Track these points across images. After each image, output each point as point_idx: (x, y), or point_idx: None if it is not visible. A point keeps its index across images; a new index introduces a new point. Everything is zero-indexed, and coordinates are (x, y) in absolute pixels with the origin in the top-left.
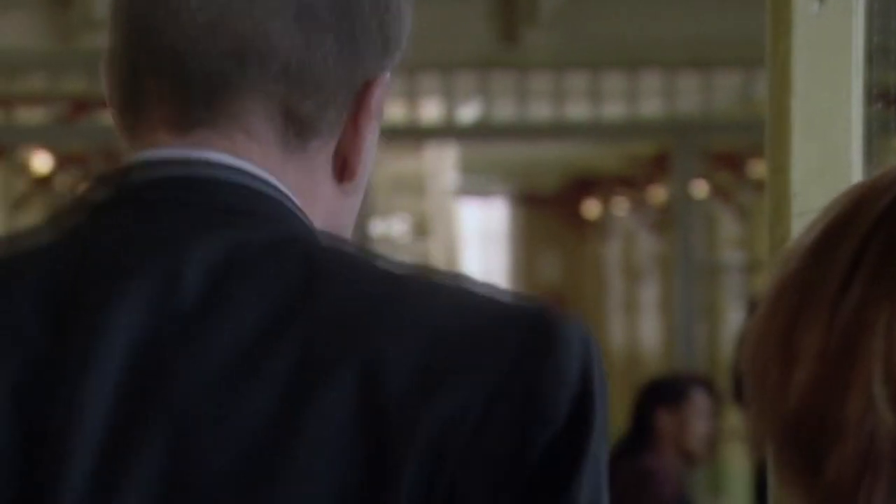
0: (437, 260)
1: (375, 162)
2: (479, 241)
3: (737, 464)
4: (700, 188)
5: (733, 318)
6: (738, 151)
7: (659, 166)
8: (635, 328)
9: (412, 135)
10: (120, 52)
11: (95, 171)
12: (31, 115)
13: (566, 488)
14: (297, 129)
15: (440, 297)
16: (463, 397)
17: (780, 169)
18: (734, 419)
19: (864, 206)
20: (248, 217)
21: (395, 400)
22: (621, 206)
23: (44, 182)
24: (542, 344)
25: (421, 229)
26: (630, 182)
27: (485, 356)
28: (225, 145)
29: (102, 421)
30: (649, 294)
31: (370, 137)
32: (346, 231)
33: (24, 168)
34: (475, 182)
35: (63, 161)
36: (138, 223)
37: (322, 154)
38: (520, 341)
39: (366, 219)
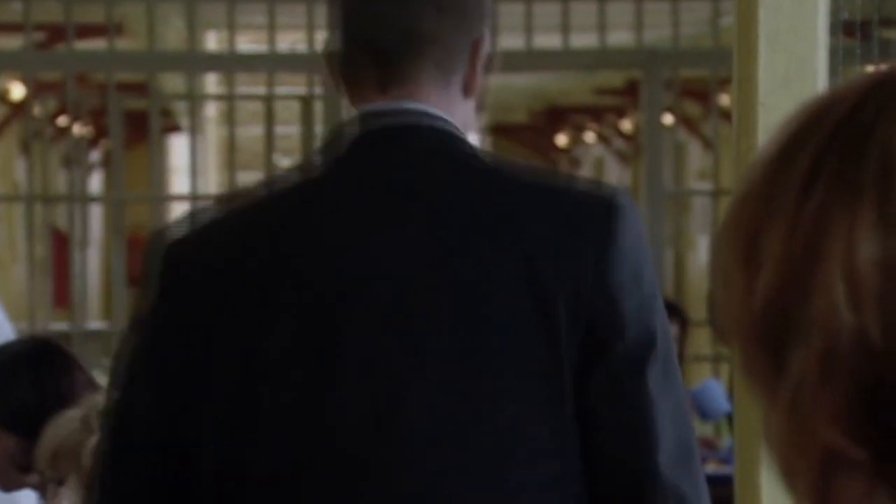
0: None
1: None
2: None
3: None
4: (668, 118)
5: (701, 247)
6: (706, 82)
7: (628, 97)
8: None
9: None
10: (341, 44)
11: (71, 97)
12: (6, 43)
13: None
14: (443, 75)
15: (559, 187)
16: (585, 255)
17: (747, 79)
18: (706, 344)
19: (823, 115)
20: (444, 151)
21: (547, 264)
22: (591, 136)
23: (19, 109)
24: (619, 219)
25: None
26: (599, 113)
27: (593, 227)
28: (409, 95)
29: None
30: None
31: (479, 70)
32: (472, 127)
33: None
34: None
35: (39, 88)
36: (380, 164)
37: (455, 85)
38: (608, 216)
39: None
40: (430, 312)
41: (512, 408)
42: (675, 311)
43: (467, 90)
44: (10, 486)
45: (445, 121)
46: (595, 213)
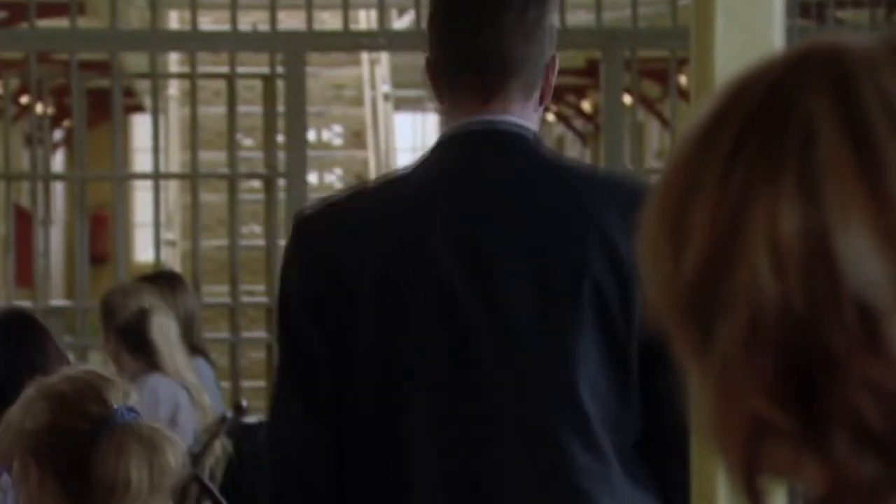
0: (371, 170)
1: (313, 73)
2: (413, 154)
3: None
4: (627, 98)
5: None
6: (665, 62)
7: (587, 77)
8: None
9: (347, 41)
10: (441, 63)
11: (33, 76)
12: None
13: None
14: (528, 90)
15: (615, 179)
16: (623, 232)
17: (704, 53)
18: None
19: (746, 90)
20: (534, 151)
21: (621, 246)
22: (551, 116)
23: None
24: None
25: (356, 139)
26: (559, 93)
27: (628, 207)
28: (503, 110)
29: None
30: None
31: (551, 84)
32: (537, 129)
33: None
34: (408, 96)
35: (1, 67)
36: (487, 158)
37: (534, 98)
38: (638, 197)
39: (301, 128)
40: (538, 276)
41: (591, 357)
42: None
43: (542, 101)
44: None
45: (528, 128)
46: (632, 190)
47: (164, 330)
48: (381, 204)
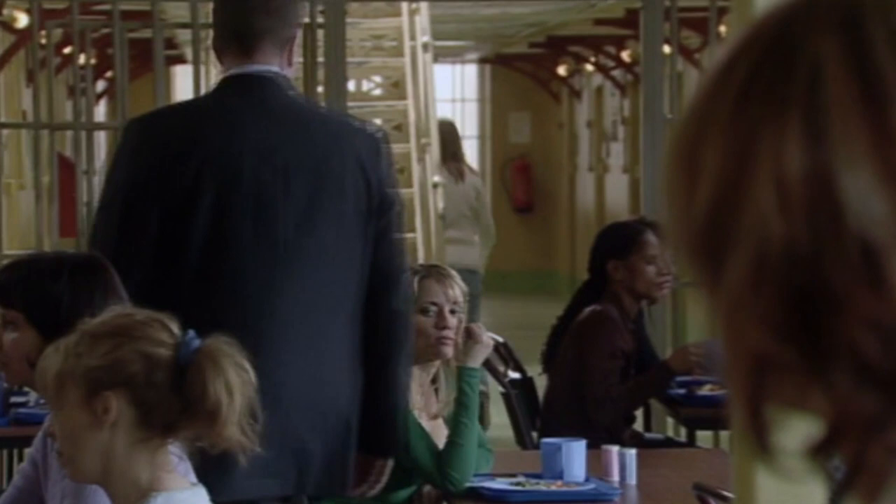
0: (411, 120)
1: (353, 23)
2: (452, 105)
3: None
4: (667, 48)
5: None
6: (705, 11)
7: (627, 27)
8: (603, 187)
9: None
10: (217, 33)
11: (76, 26)
12: None
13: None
14: (280, 50)
15: (352, 119)
16: (379, 160)
17: (744, 3)
18: None
19: (758, 32)
20: (277, 88)
21: (365, 160)
22: (590, 66)
23: (25, 37)
24: (386, 142)
25: (396, 89)
26: (599, 43)
27: (381, 145)
28: (257, 61)
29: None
30: (617, 153)
31: (294, 52)
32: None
33: (6, 23)
34: (447, 47)
35: (44, 17)
36: (253, 91)
37: (285, 57)
38: (384, 139)
39: (341, 79)
40: (304, 174)
41: (344, 227)
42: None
43: (289, 63)
44: (15, 379)
45: (279, 74)
46: (378, 137)
47: None
48: (196, 117)
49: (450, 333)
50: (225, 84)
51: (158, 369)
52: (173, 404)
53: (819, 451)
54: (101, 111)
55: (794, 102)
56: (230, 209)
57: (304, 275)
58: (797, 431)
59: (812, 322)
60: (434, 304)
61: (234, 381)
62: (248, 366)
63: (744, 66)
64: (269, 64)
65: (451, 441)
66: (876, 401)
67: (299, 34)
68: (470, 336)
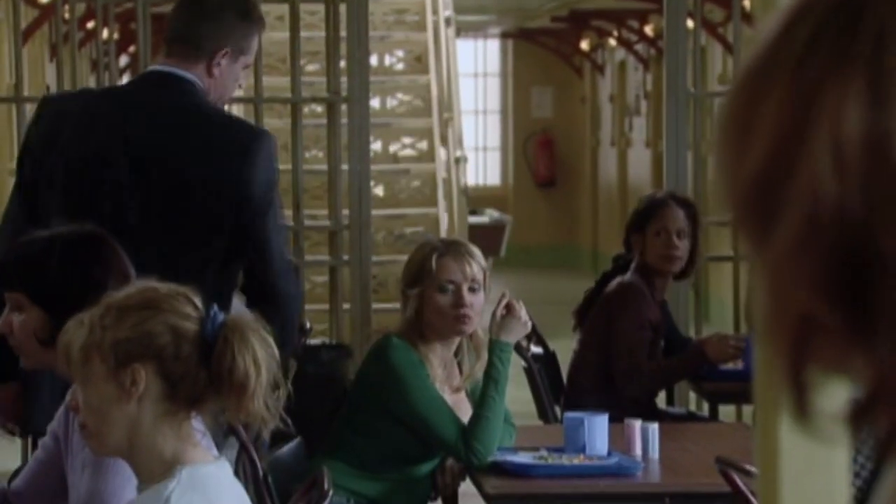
0: (433, 94)
1: None
2: (475, 80)
3: (724, 291)
4: (690, 22)
5: None
6: None
7: (650, 1)
8: (626, 161)
9: None
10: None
11: (99, 1)
12: None
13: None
14: (201, 58)
15: (233, 119)
16: (240, 160)
17: None
18: (726, 246)
19: None
20: (178, 89)
21: (225, 159)
22: (613, 40)
23: (48, 12)
24: (260, 140)
25: (418, 64)
26: (622, 17)
27: (251, 144)
28: (175, 64)
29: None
30: (640, 128)
31: (219, 65)
32: (221, 95)
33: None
34: (470, 21)
35: None
36: (151, 87)
37: (205, 66)
38: (256, 138)
39: (364, 53)
40: (161, 171)
41: (197, 221)
42: (687, 206)
43: (209, 74)
44: (30, 361)
45: (186, 78)
46: (249, 136)
47: None
48: (89, 104)
49: (468, 311)
50: (140, 76)
51: (186, 342)
52: (200, 377)
53: (857, 417)
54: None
55: (858, 64)
56: (79, 192)
57: (151, 263)
58: (835, 396)
59: (859, 287)
60: (451, 282)
61: (261, 354)
62: (271, 340)
63: (807, 25)
64: (183, 68)
65: (478, 414)
66: None
67: (248, 55)
68: (509, 311)
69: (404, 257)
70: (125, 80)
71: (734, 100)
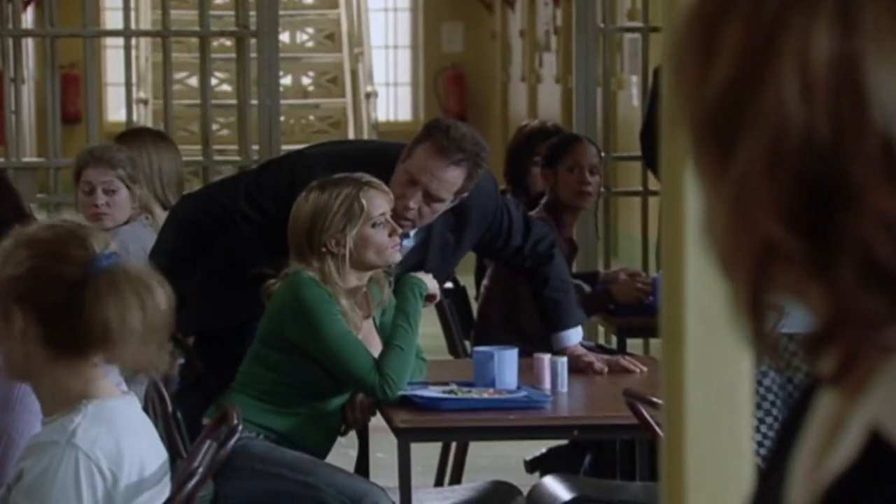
0: (343, 29)
1: None
2: (385, 14)
3: (632, 226)
4: None
5: (631, 86)
6: None
7: None
8: (536, 97)
9: None
10: None
11: None
12: None
13: None
14: None
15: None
16: None
17: None
18: (636, 180)
19: None
20: None
21: None
22: None
23: None
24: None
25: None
26: None
27: None
28: None
29: None
30: (550, 63)
31: None
32: None
33: None
34: None
35: None
36: None
37: None
38: None
39: None
40: None
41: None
42: (593, 144)
43: None
44: None
45: None
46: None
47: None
48: None
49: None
50: None
51: (60, 288)
52: (75, 325)
53: (812, 345)
54: (28, 17)
55: None
56: None
57: None
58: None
59: (824, 214)
60: (382, 214)
61: (131, 302)
62: (157, 288)
63: None
64: None
65: (391, 344)
66: (877, 299)
67: None
68: None
69: None
70: (30, 11)
71: (695, 13)
